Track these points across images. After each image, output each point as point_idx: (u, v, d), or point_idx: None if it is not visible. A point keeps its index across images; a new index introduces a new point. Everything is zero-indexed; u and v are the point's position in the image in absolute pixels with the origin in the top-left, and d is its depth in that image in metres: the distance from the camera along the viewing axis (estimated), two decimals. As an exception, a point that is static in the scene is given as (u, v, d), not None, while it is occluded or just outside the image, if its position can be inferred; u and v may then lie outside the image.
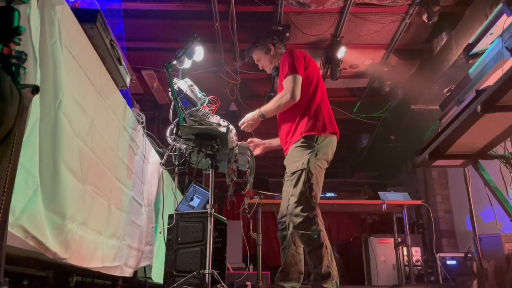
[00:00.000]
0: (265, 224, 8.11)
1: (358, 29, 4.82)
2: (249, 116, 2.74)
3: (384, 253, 5.48)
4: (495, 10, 2.14)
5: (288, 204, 2.52)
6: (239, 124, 2.79)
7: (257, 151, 2.92)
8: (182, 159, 2.57)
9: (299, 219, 2.40)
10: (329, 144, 2.58)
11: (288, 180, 2.58)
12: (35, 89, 1.05)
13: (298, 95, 2.54)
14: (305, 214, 2.39)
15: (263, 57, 2.91)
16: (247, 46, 3.09)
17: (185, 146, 2.56)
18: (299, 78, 2.57)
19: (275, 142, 2.96)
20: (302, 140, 2.54)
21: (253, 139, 2.93)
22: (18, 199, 1.29)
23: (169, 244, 2.88)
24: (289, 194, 2.52)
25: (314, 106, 2.61)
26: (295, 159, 2.52)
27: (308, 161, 2.46)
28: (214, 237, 3.07)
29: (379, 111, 6.32)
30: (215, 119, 2.60)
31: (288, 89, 2.55)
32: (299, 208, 2.42)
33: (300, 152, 2.52)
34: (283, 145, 2.75)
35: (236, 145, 2.65)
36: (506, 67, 1.87)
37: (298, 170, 2.47)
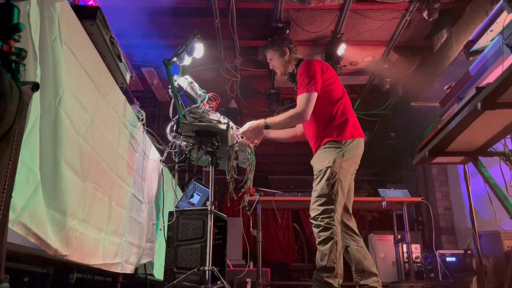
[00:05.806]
0: (265, 221, 8.12)
1: (358, 26, 4.81)
2: (253, 124, 2.66)
3: (383, 250, 5.49)
4: (496, 7, 2.13)
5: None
6: (240, 131, 2.70)
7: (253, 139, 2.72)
8: (182, 156, 2.58)
9: (316, 212, 2.43)
10: (357, 145, 2.57)
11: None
12: (35, 86, 1.05)
13: (308, 116, 2.52)
14: (323, 207, 2.41)
15: (276, 58, 2.86)
16: (264, 43, 3.01)
17: (185, 143, 2.56)
18: (313, 97, 2.54)
19: (283, 134, 2.94)
20: (329, 142, 2.55)
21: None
22: (19, 196, 1.29)
23: (169, 241, 2.89)
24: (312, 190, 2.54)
25: (338, 115, 2.61)
26: (321, 159, 2.54)
27: (334, 161, 2.47)
28: (214, 234, 3.08)
29: (379, 108, 6.31)
30: (215, 116, 2.60)
31: (300, 108, 2.54)
32: (318, 202, 2.45)
33: (327, 153, 2.53)
34: (312, 147, 2.73)
35: (236, 142, 2.65)
36: (506, 64, 1.87)
37: (324, 168, 2.49)
